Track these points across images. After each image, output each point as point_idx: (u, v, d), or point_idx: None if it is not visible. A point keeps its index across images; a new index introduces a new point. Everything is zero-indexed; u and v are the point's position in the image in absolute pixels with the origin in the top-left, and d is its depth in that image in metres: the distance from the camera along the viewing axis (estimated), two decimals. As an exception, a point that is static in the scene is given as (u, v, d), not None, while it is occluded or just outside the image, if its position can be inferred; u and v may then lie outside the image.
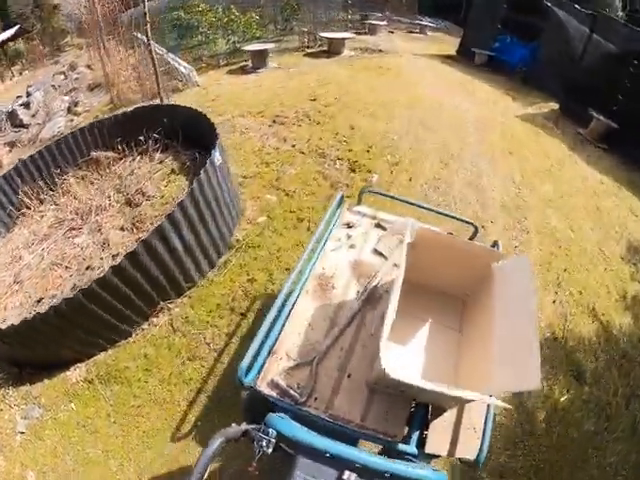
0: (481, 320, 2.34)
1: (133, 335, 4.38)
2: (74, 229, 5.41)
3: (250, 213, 5.90)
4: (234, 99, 8.66)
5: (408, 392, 2.05)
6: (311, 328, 2.36)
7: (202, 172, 4.22)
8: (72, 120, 10.62)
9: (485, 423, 2.10)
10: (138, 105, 7.27)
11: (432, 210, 3.37)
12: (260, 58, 10.44)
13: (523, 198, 6.43)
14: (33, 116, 11.38)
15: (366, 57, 11.37)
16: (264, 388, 2.09)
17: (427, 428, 2.13)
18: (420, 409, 2.15)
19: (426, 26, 15.95)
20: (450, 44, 14.20)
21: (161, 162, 5.95)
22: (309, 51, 12.19)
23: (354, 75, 9.81)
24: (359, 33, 14.48)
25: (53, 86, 12.85)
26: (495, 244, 2.89)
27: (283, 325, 2.34)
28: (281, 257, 5.14)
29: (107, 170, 6.13)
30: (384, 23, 15.02)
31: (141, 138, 6.02)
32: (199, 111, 5.51)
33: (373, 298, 2.55)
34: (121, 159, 6.16)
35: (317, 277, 2.59)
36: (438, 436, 2.11)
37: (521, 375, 1.80)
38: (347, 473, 1.67)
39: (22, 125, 11.35)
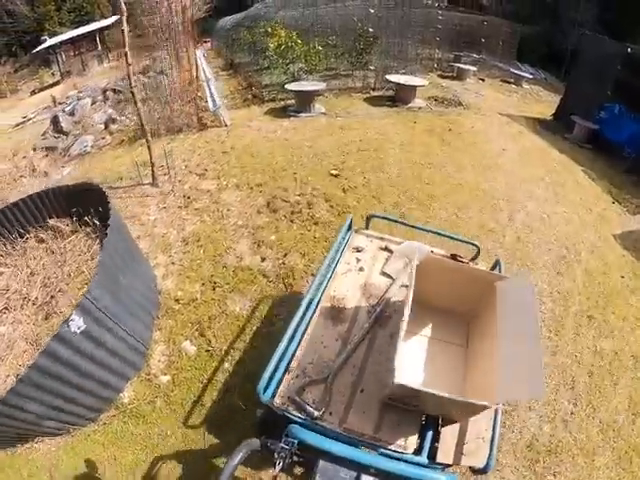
0: (486, 337, 2.51)
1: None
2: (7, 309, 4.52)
3: (155, 364, 4.65)
4: (245, 156, 8.07)
5: (420, 405, 2.21)
6: (324, 347, 2.51)
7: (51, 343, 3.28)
8: (101, 139, 10.44)
9: (493, 432, 2.24)
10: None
11: (435, 233, 3.61)
12: (304, 100, 9.67)
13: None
14: (76, 123, 11.60)
15: (438, 112, 10.28)
16: (281, 404, 2.23)
17: (438, 439, 2.27)
18: (430, 422, 2.30)
19: (522, 77, 14.74)
20: (547, 103, 13.01)
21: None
22: (374, 94, 11.25)
23: (411, 139, 8.74)
24: (444, 76, 13.90)
25: (105, 92, 12.82)
26: (497, 264, 3.14)
27: (298, 344, 2.50)
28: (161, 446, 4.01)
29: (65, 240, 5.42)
30: (474, 68, 14.16)
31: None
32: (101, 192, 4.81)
33: (382, 318, 2.70)
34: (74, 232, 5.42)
35: (329, 299, 2.80)
36: (448, 446, 2.24)
37: (525, 384, 1.98)
38: (364, 477, 1.81)
39: (62, 132, 11.53)
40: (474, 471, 2.35)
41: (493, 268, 3.21)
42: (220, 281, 5.46)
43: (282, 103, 10.24)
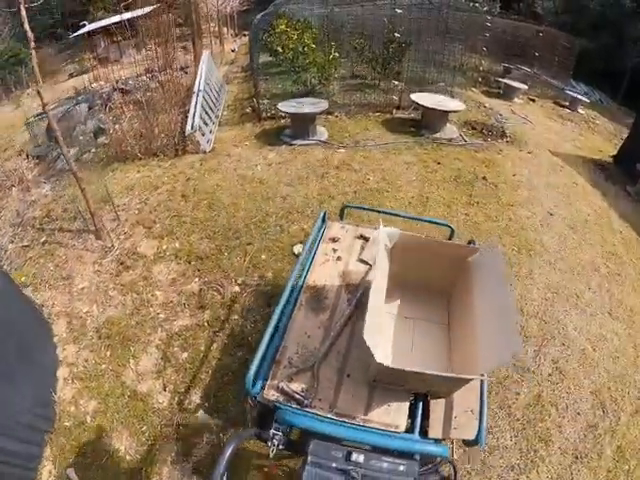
0: (464, 311, 2.31)
1: None
2: None
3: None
4: (203, 206, 5.61)
5: (406, 384, 2.02)
6: (308, 336, 2.26)
7: None
8: (87, 152, 7.79)
9: (481, 405, 2.06)
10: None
11: (409, 217, 3.62)
12: (301, 125, 6.87)
13: None
14: (69, 130, 8.72)
15: (473, 148, 7.12)
16: (270, 395, 2.00)
17: (428, 416, 2.06)
18: (419, 400, 2.07)
19: (578, 100, 10.98)
20: (605, 135, 9.83)
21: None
22: (397, 115, 8.13)
23: (427, 192, 5.86)
24: (488, 92, 10.54)
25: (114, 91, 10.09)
26: (471, 242, 2.84)
27: (282, 336, 2.28)
28: None
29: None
30: (525, 87, 10.54)
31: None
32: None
33: (362, 303, 2.38)
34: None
35: (309, 289, 2.53)
36: (439, 422, 2.04)
37: (504, 347, 1.82)
38: (355, 454, 1.62)
39: (56, 139, 7.81)
40: (466, 443, 2.11)
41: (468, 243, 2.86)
42: (113, 405, 3.66)
43: (282, 122, 7.58)
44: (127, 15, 15.11)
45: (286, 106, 6.82)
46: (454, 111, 7.37)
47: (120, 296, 4.59)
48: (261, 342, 2.06)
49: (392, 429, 1.89)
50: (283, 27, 8.75)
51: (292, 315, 2.37)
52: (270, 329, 2.15)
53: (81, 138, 8.30)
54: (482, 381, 2.07)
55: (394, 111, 8.14)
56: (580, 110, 11.01)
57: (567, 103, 11.20)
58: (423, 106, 7.23)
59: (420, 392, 2.05)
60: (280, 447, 1.73)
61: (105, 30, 15.69)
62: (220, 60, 11.74)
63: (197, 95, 7.37)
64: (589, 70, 13.28)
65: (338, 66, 8.74)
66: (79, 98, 9.82)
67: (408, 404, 2.00)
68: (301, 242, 4.98)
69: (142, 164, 6.71)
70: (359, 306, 2.37)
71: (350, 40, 10.22)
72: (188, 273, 4.75)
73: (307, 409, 1.90)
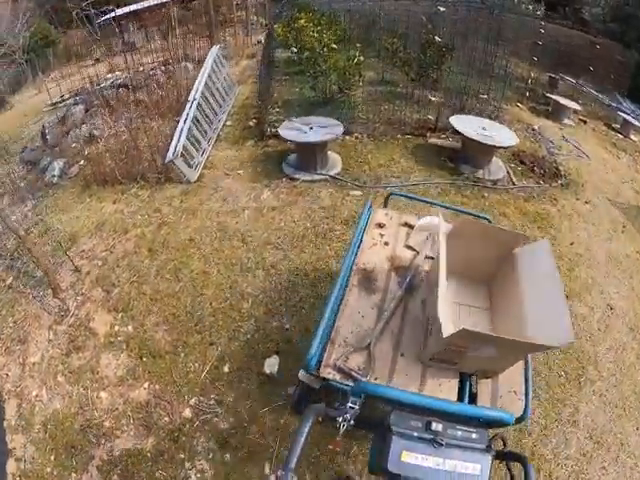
0: (510, 299, 2.12)
1: None
2: None
3: None
4: (169, 271, 3.82)
5: (461, 362, 1.85)
6: (362, 316, 2.10)
7: None
8: (75, 164, 5.72)
9: (526, 383, 1.93)
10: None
11: (450, 208, 3.25)
12: (307, 155, 4.66)
13: None
14: (64, 135, 6.73)
15: (523, 195, 4.93)
16: (326, 373, 1.87)
17: (474, 398, 1.95)
18: (466, 381, 1.94)
19: (631, 123, 8.21)
20: None
21: None
22: (432, 140, 5.70)
23: None
24: (536, 110, 7.81)
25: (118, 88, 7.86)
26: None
27: (337, 316, 2.10)
28: None
29: None
30: (578, 107, 7.86)
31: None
32: None
33: (412, 287, 2.26)
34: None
35: (360, 271, 2.32)
36: (485, 402, 1.90)
37: (555, 332, 1.69)
38: (434, 424, 1.44)
39: (48, 145, 6.79)
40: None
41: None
42: None
43: (288, 143, 5.12)
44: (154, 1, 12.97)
45: (288, 129, 4.54)
46: (503, 147, 4.99)
47: (68, 386, 3.23)
48: (319, 322, 1.93)
49: None
50: (302, 22, 6.61)
51: (345, 295, 2.17)
52: (328, 308, 2.00)
53: (73, 146, 6.17)
54: (527, 362, 1.94)
55: (428, 135, 5.71)
56: (632, 136, 8.59)
57: (618, 126, 8.78)
58: (465, 136, 4.87)
59: (469, 372, 1.91)
60: (351, 423, 1.46)
61: (134, 14, 13.62)
62: (242, 53, 9.53)
63: (190, 107, 5.16)
64: (635, 86, 10.49)
65: (363, 72, 6.25)
66: (77, 98, 7.60)
67: (457, 385, 1.87)
68: (277, 353, 3.15)
69: (121, 190, 4.82)
70: (409, 289, 2.21)
71: (382, 39, 8.02)
72: (138, 372, 3.20)
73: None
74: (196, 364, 3.12)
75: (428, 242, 2.51)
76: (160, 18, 12.57)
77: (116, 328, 3.45)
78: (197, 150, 5.13)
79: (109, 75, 9.62)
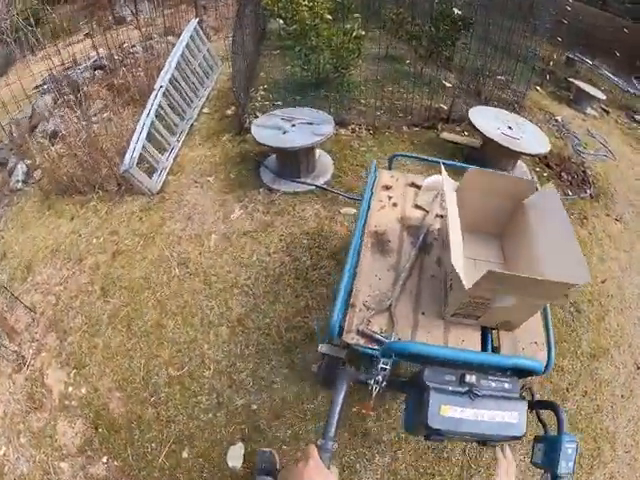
0: (523, 250, 1.92)
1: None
2: None
3: None
4: (123, 318, 2.72)
5: (484, 315, 1.67)
6: (378, 279, 1.88)
7: None
8: (38, 169, 4.29)
9: (548, 333, 1.75)
10: None
11: (455, 165, 2.66)
12: (288, 161, 3.22)
13: None
14: (30, 132, 5.06)
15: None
16: (350, 339, 1.66)
17: (496, 351, 1.77)
18: (488, 334, 1.76)
19: None
20: None
21: None
22: (445, 134, 4.20)
23: None
24: (558, 96, 6.27)
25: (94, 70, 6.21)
26: None
27: (354, 280, 1.86)
28: None
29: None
30: (602, 96, 6.18)
31: None
32: None
33: (425, 246, 2.05)
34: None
35: (372, 234, 2.08)
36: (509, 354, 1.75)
37: (572, 273, 1.49)
38: (468, 376, 1.33)
39: (13, 146, 5.04)
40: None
41: None
42: None
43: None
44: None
45: (265, 127, 3.19)
46: (531, 155, 3.62)
47: (31, 448, 2.34)
48: (339, 288, 1.69)
49: None
50: None
51: (359, 258, 1.91)
52: (345, 274, 1.75)
53: (38, 145, 4.49)
54: (546, 312, 1.76)
55: (440, 127, 4.31)
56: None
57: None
58: (486, 136, 3.50)
59: (490, 326, 1.73)
60: (383, 386, 1.36)
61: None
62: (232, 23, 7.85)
63: (154, 97, 3.73)
64: None
65: (363, 47, 4.73)
66: (44, 86, 5.83)
67: (479, 339, 1.69)
68: (243, 440, 2.17)
69: (80, 202, 3.59)
70: (423, 248, 2.00)
71: (386, 8, 6.42)
72: (95, 445, 2.28)
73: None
74: (153, 444, 2.14)
75: (437, 200, 2.27)
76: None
77: (70, 389, 2.45)
78: (162, 151, 3.78)
79: (92, 54, 7.97)
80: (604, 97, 6.26)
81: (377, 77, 5.13)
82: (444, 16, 4.92)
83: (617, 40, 6.94)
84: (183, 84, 4.53)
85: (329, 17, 4.59)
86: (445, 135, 4.18)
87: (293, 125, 3.18)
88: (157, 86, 4.12)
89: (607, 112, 6.63)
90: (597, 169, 4.68)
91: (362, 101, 4.73)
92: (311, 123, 3.19)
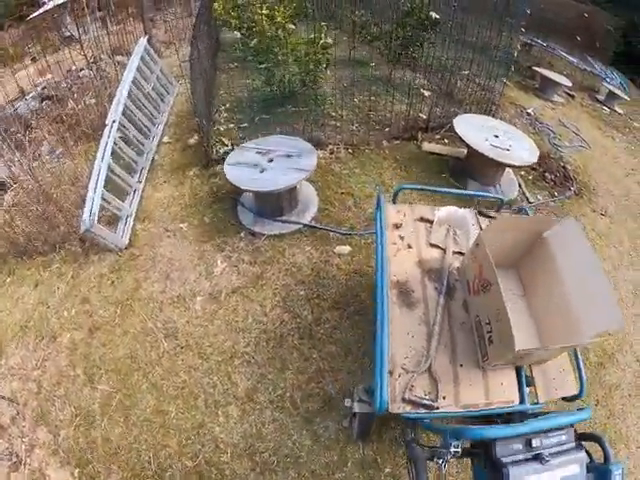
0: (546, 283, 1.84)
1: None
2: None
3: None
4: (117, 410, 2.30)
5: (523, 360, 1.68)
6: (411, 336, 1.77)
7: None
8: None
9: (577, 361, 1.75)
10: None
11: (463, 194, 2.91)
12: (271, 199, 2.84)
13: None
14: None
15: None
16: (396, 409, 1.59)
17: (529, 384, 1.75)
18: (521, 371, 1.73)
19: (616, 97, 6.87)
20: (637, 141, 5.86)
21: None
22: (425, 147, 3.94)
23: None
24: (523, 86, 6.29)
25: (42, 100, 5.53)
26: (522, 210, 2.35)
27: (389, 344, 1.73)
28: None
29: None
30: (568, 83, 6.24)
31: None
32: None
33: (449, 289, 1.93)
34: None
35: (394, 285, 1.94)
36: (543, 387, 1.73)
37: (604, 317, 1.49)
38: (533, 440, 1.38)
39: None
40: (568, 399, 1.75)
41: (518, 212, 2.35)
42: None
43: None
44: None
45: (239, 165, 2.80)
46: (518, 166, 3.37)
47: None
48: (377, 357, 1.61)
49: (509, 404, 1.61)
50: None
51: (389, 318, 1.77)
52: (380, 341, 1.64)
53: None
54: None
55: (420, 137, 4.05)
56: (617, 108, 7.28)
57: (602, 97, 7.43)
58: (473, 149, 3.26)
59: (525, 365, 1.72)
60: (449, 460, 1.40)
61: (68, 6, 10.33)
62: (184, 36, 7.11)
63: (108, 135, 3.21)
64: (619, 53, 8.87)
65: (330, 58, 4.26)
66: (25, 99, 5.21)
67: (516, 378, 1.67)
68: None
69: (42, 265, 3.08)
70: (448, 293, 1.87)
71: (347, 9, 6.08)
72: None
73: (438, 410, 1.55)
74: None
75: (450, 235, 2.13)
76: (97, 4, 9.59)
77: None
78: (124, 196, 3.33)
79: (40, 80, 7.07)
80: (570, 83, 6.27)
81: (345, 85, 4.83)
82: (411, 16, 4.66)
83: (578, 26, 6.97)
84: (138, 113, 4.02)
85: (292, 27, 4.22)
86: (427, 147, 3.94)
87: (270, 160, 2.82)
88: (109, 121, 3.61)
89: (572, 96, 6.66)
90: (575, 162, 4.64)
91: (334, 114, 4.42)
92: (290, 155, 2.84)
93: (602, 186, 4.41)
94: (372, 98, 4.49)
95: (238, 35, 4.50)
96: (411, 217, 2.24)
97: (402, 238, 2.12)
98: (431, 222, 2.19)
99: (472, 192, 3.02)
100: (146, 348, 2.48)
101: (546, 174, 4.05)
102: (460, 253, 2.05)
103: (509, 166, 3.31)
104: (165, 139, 4.26)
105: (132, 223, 3.31)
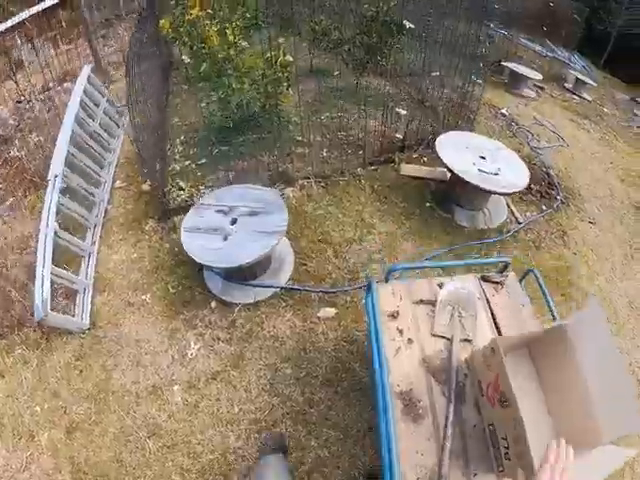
0: (565, 377, 1.60)
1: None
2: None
3: None
4: None
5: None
6: (421, 455, 1.52)
7: None
8: None
9: None
10: None
11: (465, 264, 2.57)
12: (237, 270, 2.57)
13: None
14: None
15: (531, 239, 3.24)
16: None
17: None
18: None
19: (584, 84, 6.65)
20: (626, 136, 5.68)
21: None
22: (405, 171, 3.56)
23: None
24: (495, 82, 5.96)
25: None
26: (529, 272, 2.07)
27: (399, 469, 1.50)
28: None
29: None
30: (539, 76, 5.98)
31: None
32: None
33: (458, 389, 1.65)
34: None
35: (397, 396, 1.64)
36: None
37: (625, 421, 1.32)
38: None
39: None
40: None
41: (523, 277, 2.05)
42: None
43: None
44: (40, 7, 8.76)
45: (197, 232, 2.38)
46: (508, 194, 3.00)
47: None
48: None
49: None
50: (195, 11, 4.02)
51: (397, 437, 1.52)
52: (393, 466, 1.43)
53: None
54: None
55: (397, 158, 3.67)
56: (586, 95, 7.13)
57: (570, 85, 7.27)
58: (460, 177, 2.89)
59: None
60: None
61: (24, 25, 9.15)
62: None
63: (50, 194, 2.70)
64: (584, 39, 8.68)
65: (290, 77, 3.74)
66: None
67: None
68: None
69: (6, 349, 2.61)
70: (457, 395, 1.61)
71: (306, 15, 5.57)
72: None
73: None
74: None
75: (455, 319, 1.82)
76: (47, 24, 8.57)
77: None
78: (79, 259, 2.87)
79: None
80: (540, 76, 6.04)
81: (309, 100, 4.39)
82: (376, 21, 4.24)
83: (544, 15, 6.73)
84: (85, 159, 3.48)
85: (245, 44, 3.73)
86: (406, 169, 3.59)
87: (234, 222, 2.41)
88: (51, 176, 3.08)
89: (542, 88, 6.46)
90: (557, 165, 4.41)
91: (300, 138, 3.99)
92: (255, 213, 2.45)
93: (586, 188, 4.21)
94: (340, 114, 4.09)
95: (187, 60, 3.97)
96: (408, 300, 1.92)
97: (401, 332, 1.80)
98: (431, 303, 1.88)
99: (475, 261, 2.75)
100: (130, 450, 2.12)
101: (532, 186, 3.80)
102: (467, 340, 1.77)
103: (501, 194, 3.02)
104: (117, 183, 3.73)
105: (90, 297, 2.85)
